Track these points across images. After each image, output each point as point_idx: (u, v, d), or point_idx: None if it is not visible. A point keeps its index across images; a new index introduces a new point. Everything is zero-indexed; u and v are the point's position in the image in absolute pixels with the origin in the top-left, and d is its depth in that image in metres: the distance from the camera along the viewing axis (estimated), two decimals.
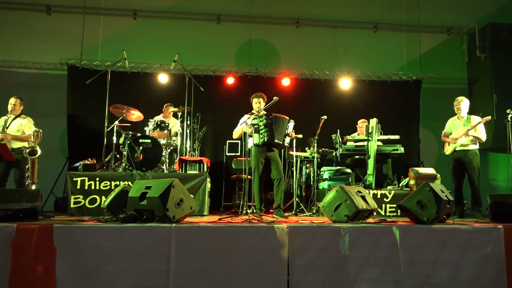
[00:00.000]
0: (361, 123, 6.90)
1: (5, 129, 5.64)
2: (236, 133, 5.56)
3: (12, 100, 5.84)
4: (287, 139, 5.42)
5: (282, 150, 6.28)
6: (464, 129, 5.71)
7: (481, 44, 8.26)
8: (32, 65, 7.91)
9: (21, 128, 5.78)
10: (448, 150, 5.97)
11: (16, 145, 5.70)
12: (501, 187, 8.20)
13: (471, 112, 5.99)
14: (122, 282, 3.25)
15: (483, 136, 5.74)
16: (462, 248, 3.58)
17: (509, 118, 5.52)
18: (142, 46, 8.08)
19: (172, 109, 6.61)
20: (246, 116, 5.39)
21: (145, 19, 8.27)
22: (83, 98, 7.64)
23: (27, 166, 5.06)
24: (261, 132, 5.16)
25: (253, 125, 5.16)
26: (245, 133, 5.17)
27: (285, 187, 5.78)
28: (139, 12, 8.21)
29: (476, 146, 5.79)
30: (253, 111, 5.45)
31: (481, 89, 8.31)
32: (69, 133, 7.62)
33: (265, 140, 5.13)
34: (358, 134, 6.81)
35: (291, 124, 5.42)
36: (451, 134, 5.95)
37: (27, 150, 5.06)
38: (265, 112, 5.41)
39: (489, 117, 5.72)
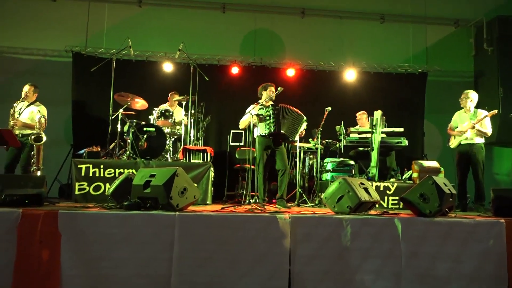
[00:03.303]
0: (360, 115, 6.92)
1: (18, 116, 5.68)
2: (243, 123, 5.49)
3: (25, 87, 5.85)
4: (297, 137, 5.35)
5: None
6: (471, 123, 5.68)
7: (488, 37, 8.16)
8: (36, 52, 7.89)
9: (32, 115, 5.80)
10: (453, 143, 5.95)
11: (27, 131, 5.72)
12: (505, 182, 8.19)
13: (477, 106, 5.95)
14: (126, 269, 3.29)
15: (488, 131, 5.71)
16: (463, 242, 3.60)
17: None
18: (147, 34, 8.06)
19: (177, 97, 6.61)
20: (252, 106, 5.37)
21: (150, 7, 8.23)
22: (88, 85, 7.64)
23: (32, 153, 5.10)
24: (267, 122, 5.12)
25: (259, 115, 5.12)
26: (250, 123, 5.12)
27: (288, 178, 5.79)
28: (144, 0, 8.17)
29: (482, 140, 5.77)
30: (259, 101, 5.40)
31: (487, 83, 8.23)
32: (74, 120, 7.64)
33: (271, 131, 5.10)
34: (359, 126, 6.81)
35: (304, 124, 5.35)
36: (457, 127, 5.93)
37: (33, 137, 5.10)
38: (272, 103, 5.34)
39: (496, 111, 5.69)
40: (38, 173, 5.03)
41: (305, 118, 5.34)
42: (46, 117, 5.49)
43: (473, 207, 5.73)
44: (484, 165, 5.76)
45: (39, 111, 5.77)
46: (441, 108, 7.80)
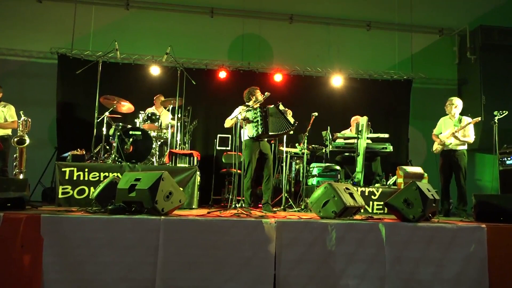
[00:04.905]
0: (355, 119, 6.98)
1: None
2: (228, 122, 5.48)
3: None
4: (291, 119, 5.24)
5: (273, 144, 6.28)
6: (453, 129, 5.78)
7: (471, 45, 8.35)
8: (21, 53, 7.78)
9: (2, 115, 5.70)
10: (436, 149, 6.04)
11: (0, 133, 5.62)
12: (487, 188, 8.33)
13: (461, 113, 6.06)
14: (110, 274, 3.25)
15: (471, 138, 5.80)
16: (446, 246, 3.65)
17: (496, 120, 5.60)
18: (134, 37, 8.02)
19: (163, 100, 6.59)
20: (240, 108, 5.35)
21: (138, 10, 8.20)
22: (73, 88, 7.56)
23: (15, 155, 5.01)
24: (255, 125, 5.14)
25: (247, 118, 5.14)
26: (236, 124, 5.08)
27: (274, 182, 5.80)
28: (132, 2, 8.13)
29: (464, 147, 5.87)
30: (247, 103, 5.39)
31: (470, 90, 8.41)
32: (59, 123, 7.55)
33: (259, 132, 5.11)
34: (351, 130, 6.86)
35: (280, 105, 5.25)
36: (441, 133, 6.02)
37: (16, 139, 5.02)
38: (259, 105, 5.34)
39: (479, 118, 5.79)
40: (21, 176, 4.95)
41: (277, 103, 5.23)
42: (29, 120, 5.40)
43: (456, 212, 5.82)
44: (467, 171, 5.85)
45: (8, 111, 5.65)
46: (426, 114, 7.94)
